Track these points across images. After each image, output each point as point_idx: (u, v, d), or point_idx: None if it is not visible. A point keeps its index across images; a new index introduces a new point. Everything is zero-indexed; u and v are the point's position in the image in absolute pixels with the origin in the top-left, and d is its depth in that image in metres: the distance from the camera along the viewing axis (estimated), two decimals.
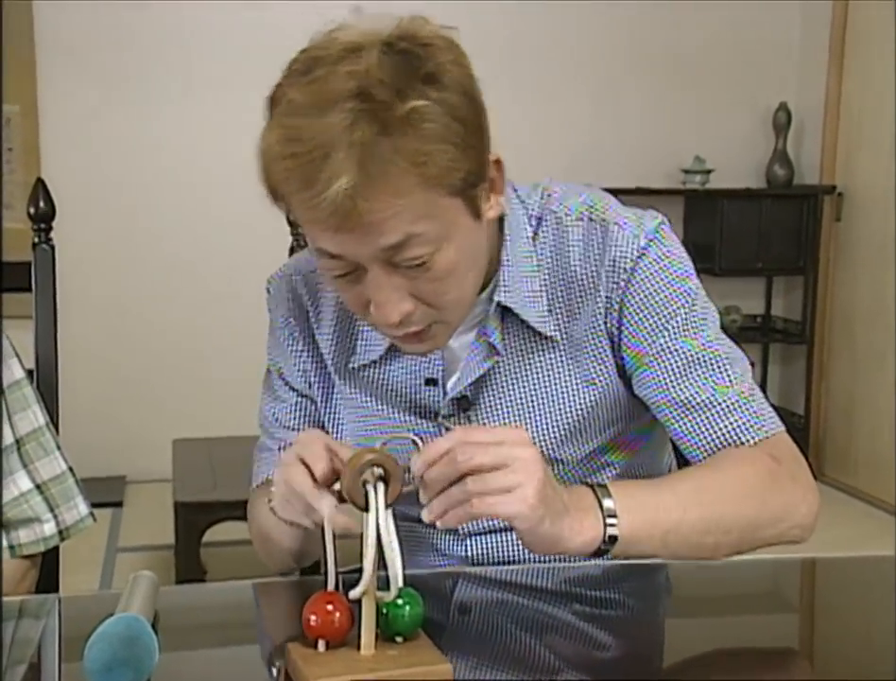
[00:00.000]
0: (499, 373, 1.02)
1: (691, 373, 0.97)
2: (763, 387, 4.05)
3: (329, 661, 0.76)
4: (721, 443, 0.96)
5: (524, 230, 1.01)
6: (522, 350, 1.01)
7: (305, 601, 0.79)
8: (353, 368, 1.05)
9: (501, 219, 0.99)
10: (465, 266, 0.91)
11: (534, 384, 1.02)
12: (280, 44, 3.73)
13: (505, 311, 1.00)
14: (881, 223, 3.58)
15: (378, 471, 0.77)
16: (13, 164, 3.42)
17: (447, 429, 1.02)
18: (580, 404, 1.01)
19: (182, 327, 3.62)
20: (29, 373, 1.22)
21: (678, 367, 0.98)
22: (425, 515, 0.80)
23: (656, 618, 0.97)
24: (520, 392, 1.02)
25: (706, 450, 0.97)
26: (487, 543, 1.05)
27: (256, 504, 1.08)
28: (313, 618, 0.77)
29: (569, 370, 1.01)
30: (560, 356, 1.01)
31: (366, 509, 0.77)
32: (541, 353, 1.01)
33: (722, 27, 3.89)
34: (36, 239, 1.27)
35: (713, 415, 0.97)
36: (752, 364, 1.03)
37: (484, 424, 1.02)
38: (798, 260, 3.80)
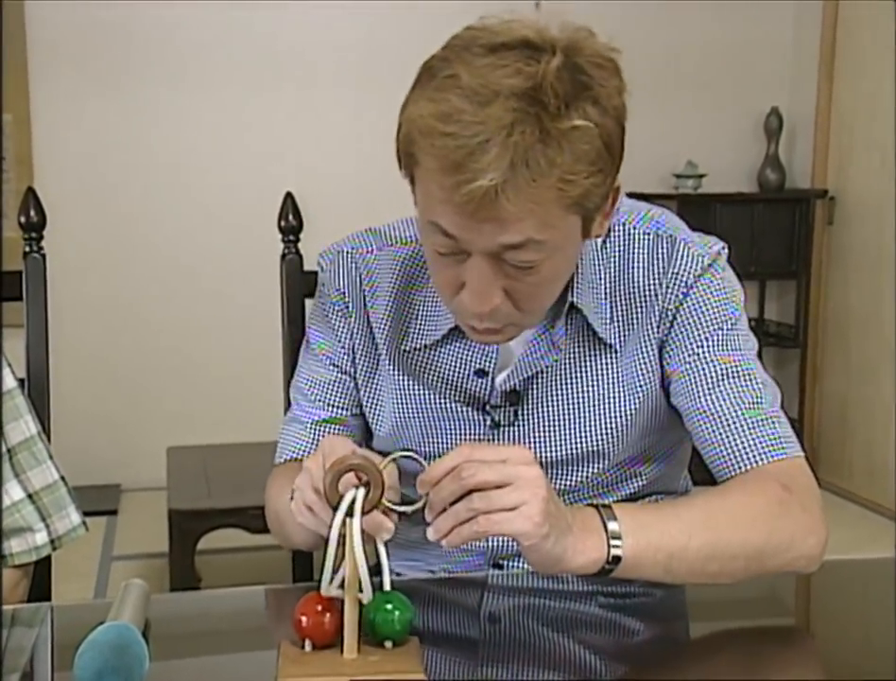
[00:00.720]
0: (552, 371, 1.04)
1: (722, 385, 1.00)
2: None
3: (309, 662, 0.77)
4: (742, 455, 0.98)
5: (593, 240, 1.03)
6: (580, 353, 1.04)
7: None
8: (405, 350, 1.06)
9: None
10: (563, 276, 0.95)
11: (585, 387, 1.04)
12: (274, 49, 3.75)
13: (570, 313, 1.02)
14: (873, 227, 3.59)
15: (358, 476, 0.78)
16: (8, 173, 3.42)
17: (491, 420, 1.04)
18: (624, 410, 1.04)
19: (176, 335, 3.62)
20: (21, 382, 1.22)
21: (711, 378, 1.00)
22: (430, 534, 0.80)
23: (661, 621, 0.97)
24: (570, 394, 1.04)
25: (728, 461, 0.98)
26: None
27: (275, 485, 1.08)
28: (303, 618, 0.79)
29: (620, 377, 1.04)
30: (615, 363, 1.04)
31: (335, 510, 0.78)
32: (597, 358, 1.04)
33: (714, 33, 3.90)
34: (27, 248, 1.27)
35: (738, 428, 0.98)
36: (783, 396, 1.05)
37: (530, 419, 1.04)
38: (790, 264, 3.81)
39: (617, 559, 0.85)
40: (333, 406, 1.10)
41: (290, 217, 1.34)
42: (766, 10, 3.92)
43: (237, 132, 3.61)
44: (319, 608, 0.79)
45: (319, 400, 1.10)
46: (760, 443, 0.98)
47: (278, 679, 0.76)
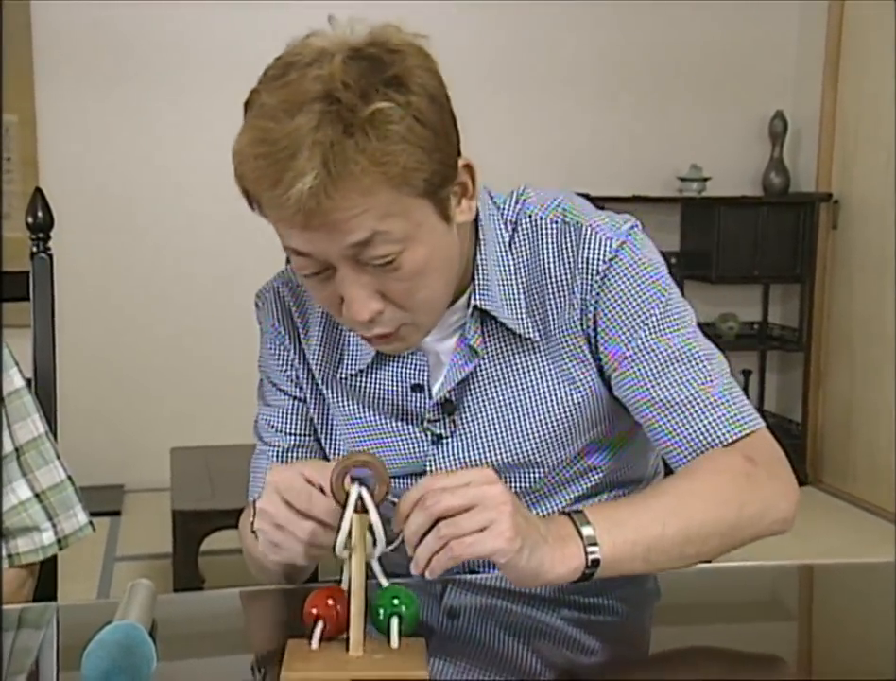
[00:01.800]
0: (481, 376, 1.03)
1: (669, 371, 0.98)
2: (760, 394, 4.05)
3: (314, 659, 0.78)
4: (700, 440, 0.97)
5: (499, 235, 1.02)
6: (502, 352, 1.03)
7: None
8: (341, 378, 1.06)
9: (477, 226, 1.01)
10: (435, 267, 0.92)
11: (516, 386, 1.03)
12: (278, 52, 3.72)
13: (483, 315, 1.01)
14: (877, 230, 3.59)
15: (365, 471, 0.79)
16: (12, 173, 3.43)
17: (432, 434, 1.04)
18: (564, 405, 1.02)
19: (180, 336, 3.62)
20: (28, 382, 1.23)
21: (656, 366, 0.98)
22: (413, 569, 0.81)
23: (644, 624, 0.97)
24: (503, 394, 1.03)
25: (686, 449, 0.98)
26: None
27: (248, 523, 1.08)
28: (315, 604, 0.80)
29: (550, 371, 1.02)
30: (541, 357, 1.02)
31: (344, 507, 0.79)
32: (521, 354, 1.02)
33: (718, 37, 3.90)
34: (34, 249, 1.27)
35: (692, 413, 0.97)
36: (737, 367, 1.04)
37: (469, 428, 1.03)
38: (794, 268, 3.81)
39: (596, 562, 0.84)
40: (293, 434, 1.10)
41: None
42: (770, 14, 3.93)
43: None
44: (331, 601, 0.80)
45: (280, 431, 1.10)
46: (718, 424, 0.96)
47: (282, 674, 0.76)
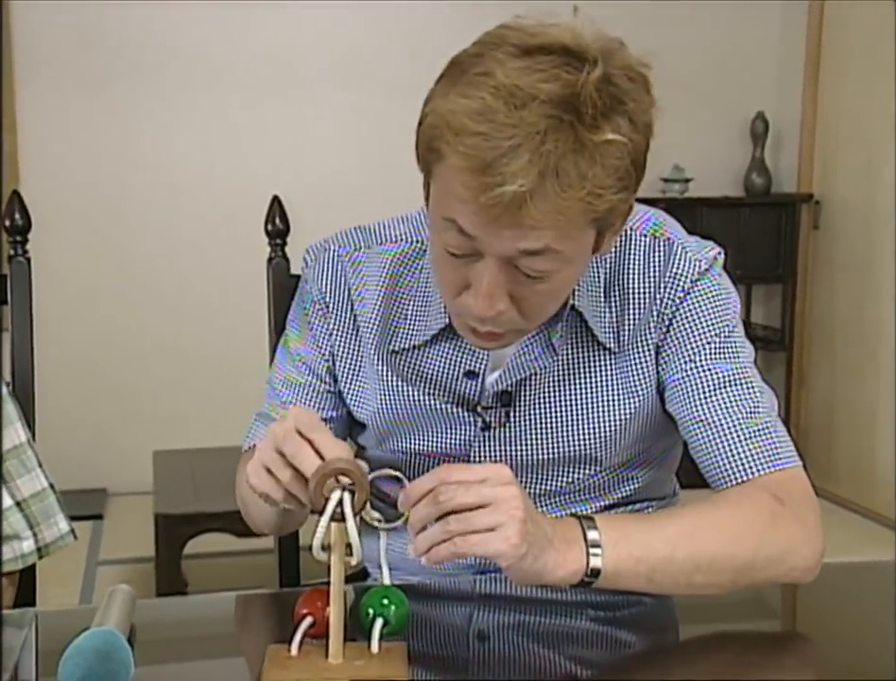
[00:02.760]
0: (547, 373, 1.03)
1: (719, 393, 0.99)
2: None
3: (293, 666, 0.77)
4: (738, 466, 0.97)
5: None
6: (576, 355, 1.03)
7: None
8: (393, 350, 1.05)
9: None
10: (570, 288, 0.95)
11: (580, 390, 1.03)
12: (261, 53, 3.73)
13: (570, 316, 1.01)
14: (858, 231, 3.61)
15: (345, 480, 0.78)
16: None
17: (483, 421, 1.04)
18: (619, 414, 1.03)
19: (162, 338, 3.61)
20: (7, 385, 1.22)
21: (707, 386, 0.99)
22: (410, 551, 0.81)
23: (634, 622, 0.97)
24: (564, 396, 1.03)
25: (724, 472, 0.98)
26: None
27: (242, 469, 1.07)
28: (305, 602, 0.80)
29: (615, 380, 1.03)
30: (609, 365, 1.03)
31: (321, 514, 0.78)
32: (594, 360, 1.03)
33: (699, 39, 3.91)
34: (12, 252, 1.26)
35: (734, 438, 0.98)
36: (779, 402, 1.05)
37: (522, 421, 1.03)
38: (776, 268, 3.83)
39: (596, 571, 0.84)
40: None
41: (277, 220, 1.34)
42: (751, 15, 3.94)
43: (224, 136, 3.60)
44: (320, 603, 0.80)
45: (290, 402, 1.08)
46: (756, 453, 0.97)
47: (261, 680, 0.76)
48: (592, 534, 0.85)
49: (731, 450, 0.97)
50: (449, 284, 0.91)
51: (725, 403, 0.98)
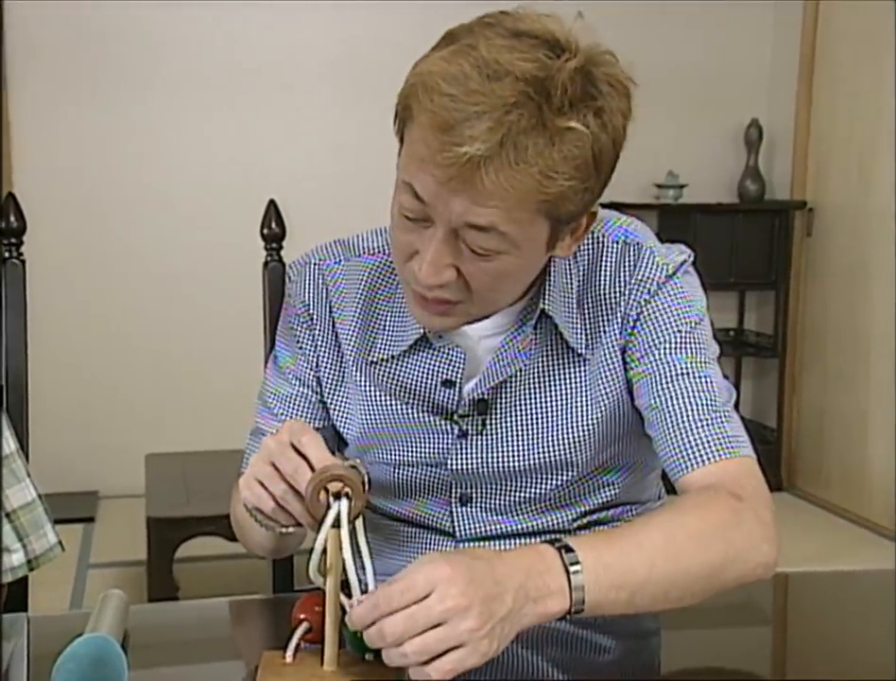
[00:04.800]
0: (521, 379, 1.04)
1: (675, 383, 1.00)
2: (736, 400, 4.07)
3: (287, 674, 0.77)
4: (690, 453, 0.97)
5: None
6: (549, 360, 1.04)
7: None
8: (372, 361, 1.06)
9: None
10: (518, 279, 0.95)
11: (553, 395, 1.04)
12: (257, 55, 3.72)
13: (540, 321, 1.02)
14: (851, 238, 3.63)
15: (339, 486, 0.78)
16: None
17: (459, 429, 1.04)
18: (591, 417, 1.04)
19: (155, 341, 3.60)
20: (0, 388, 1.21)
21: (666, 376, 1.00)
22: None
23: (622, 630, 0.97)
24: (538, 402, 1.04)
25: (677, 459, 0.98)
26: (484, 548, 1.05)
27: (237, 493, 1.07)
28: (302, 606, 0.80)
29: (587, 384, 1.04)
30: (582, 370, 1.04)
31: (321, 523, 0.78)
32: (566, 366, 1.04)
33: (694, 46, 3.93)
34: (7, 254, 1.26)
35: (686, 426, 0.98)
36: (738, 400, 1.05)
37: (498, 428, 1.04)
38: (769, 274, 3.84)
39: (579, 610, 0.82)
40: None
41: (273, 224, 1.33)
42: (745, 23, 3.96)
43: (220, 139, 3.60)
44: (318, 608, 0.80)
45: (283, 414, 1.09)
46: (710, 441, 0.97)
47: None
48: (576, 579, 0.80)
49: (685, 437, 0.98)
50: (401, 248, 0.94)
51: (680, 392, 0.99)
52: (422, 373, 1.05)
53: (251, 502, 0.85)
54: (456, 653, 0.73)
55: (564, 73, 0.84)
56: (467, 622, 0.73)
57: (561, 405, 1.04)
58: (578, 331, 1.03)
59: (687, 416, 0.98)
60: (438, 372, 1.04)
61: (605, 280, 1.03)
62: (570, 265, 1.04)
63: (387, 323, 1.06)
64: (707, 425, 0.98)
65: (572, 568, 0.81)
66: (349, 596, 0.77)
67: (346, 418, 1.09)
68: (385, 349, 1.05)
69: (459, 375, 1.03)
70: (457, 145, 0.81)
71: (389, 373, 1.06)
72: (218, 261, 3.58)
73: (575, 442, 1.04)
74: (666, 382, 1.00)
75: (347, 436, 1.10)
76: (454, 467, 1.05)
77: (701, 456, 0.97)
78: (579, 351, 1.03)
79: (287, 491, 0.82)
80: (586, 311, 1.04)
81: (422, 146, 0.85)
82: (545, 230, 0.90)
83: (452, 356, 1.03)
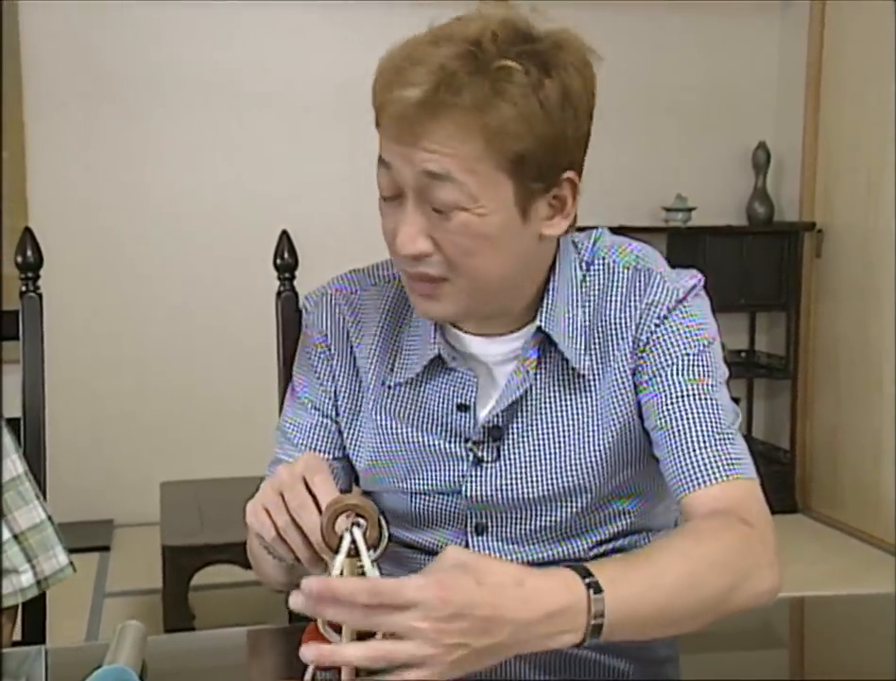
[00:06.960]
0: (532, 404, 1.04)
1: (681, 403, 1.00)
2: (748, 422, 4.06)
3: None
4: (694, 473, 0.97)
5: (573, 272, 1.05)
6: (557, 386, 1.04)
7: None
8: (389, 386, 1.07)
9: (555, 259, 1.04)
10: (498, 247, 0.94)
11: (564, 421, 1.04)
12: (272, 86, 3.77)
13: (544, 343, 1.03)
14: (860, 259, 3.63)
15: (354, 517, 0.78)
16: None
17: (474, 455, 1.05)
18: (603, 441, 1.04)
19: (170, 370, 3.61)
20: (15, 420, 1.22)
21: (672, 396, 1.01)
22: None
23: (633, 654, 0.97)
24: (549, 428, 1.04)
25: (681, 478, 0.98)
26: None
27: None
28: (309, 631, 0.80)
29: (597, 411, 1.04)
30: (592, 395, 1.04)
31: (336, 552, 0.78)
32: (574, 391, 1.04)
33: (701, 69, 3.95)
34: (23, 288, 1.28)
35: (690, 445, 0.98)
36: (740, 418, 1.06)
37: (512, 456, 1.05)
38: (780, 296, 3.83)
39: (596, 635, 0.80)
40: (315, 450, 1.10)
41: (286, 254, 1.35)
42: (752, 46, 3.98)
43: (233, 170, 3.62)
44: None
45: (303, 444, 1.10)
46: (713, 461, 0.97)
47: None
48: (597, 620, 0.78)
49: (689, 457, 0.98)
50: (386, 232, 0.98)
51: (686, 413, 1.00)
52: (438, 396, 1.06)
53: (255, 528, 0.87)
54: (410, 671, 0.71)
55: (493, 23, 0.90)
56: (427, 649, 0.70)
57: (573, 431, 1.04)
58: (584, 355, 1.03)
59: (691, 437, 0.99)
60: (452, 395, 1.05)
61: (615, 306, 1.04)
62: (579, 292, 1.05)
63: (405, 346, 1.07)
64: (711, 446, 0.98)
65: (594, 608, 0.78)
66: None
67: (358, 447, 1.10)
68: (402, 372, 1.07)
69: (473, 399, 1.04)
70: (400, 93, 0.88)
71: (406, 397, 1.07)
72: (232, 291, 3.60)
73: (587, 466, 1.04)
74: (673, 403, 1.01)
75: (357, 465, 1.11)
76: (469, 495, 1.06)
77: (705, 476, 0.97)
78: (585, 375, 1.04)
79: (289, 523, 0.83)
80: (594, 336, 1.04)
81: (379, 114, 0.93)
82: (509, 189, 0.92)
83: (465, 379, 1.04)
